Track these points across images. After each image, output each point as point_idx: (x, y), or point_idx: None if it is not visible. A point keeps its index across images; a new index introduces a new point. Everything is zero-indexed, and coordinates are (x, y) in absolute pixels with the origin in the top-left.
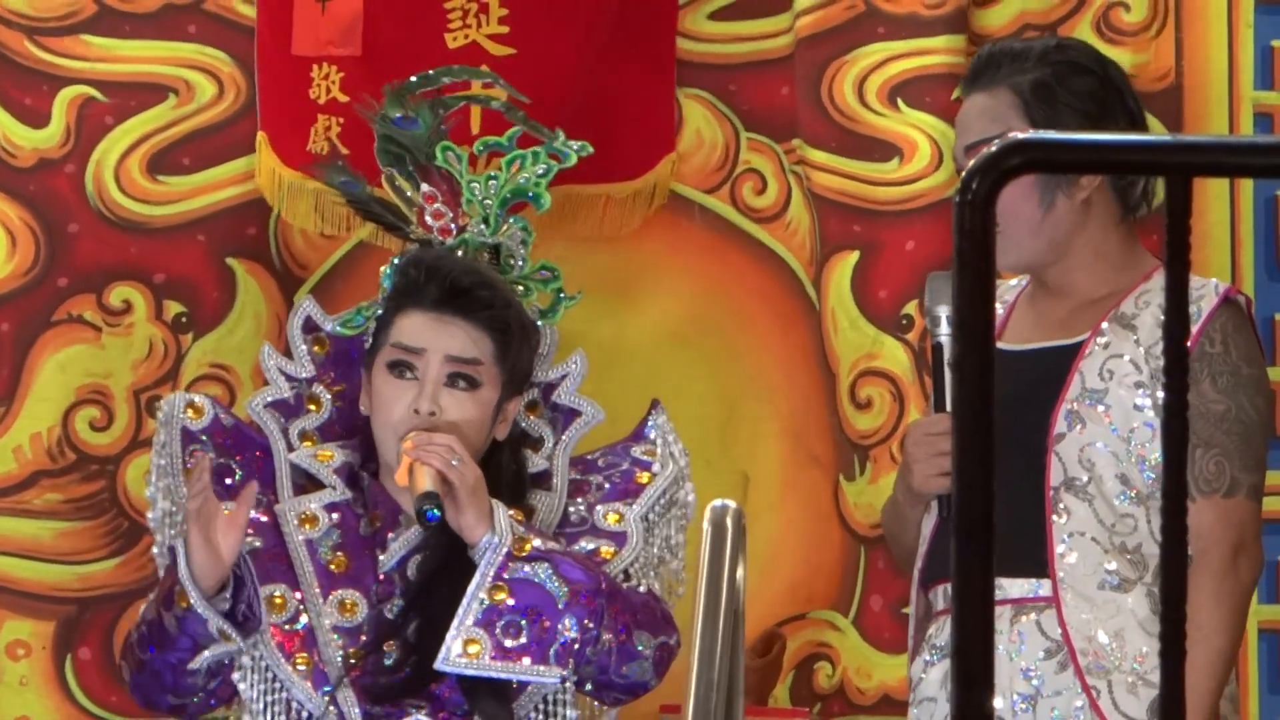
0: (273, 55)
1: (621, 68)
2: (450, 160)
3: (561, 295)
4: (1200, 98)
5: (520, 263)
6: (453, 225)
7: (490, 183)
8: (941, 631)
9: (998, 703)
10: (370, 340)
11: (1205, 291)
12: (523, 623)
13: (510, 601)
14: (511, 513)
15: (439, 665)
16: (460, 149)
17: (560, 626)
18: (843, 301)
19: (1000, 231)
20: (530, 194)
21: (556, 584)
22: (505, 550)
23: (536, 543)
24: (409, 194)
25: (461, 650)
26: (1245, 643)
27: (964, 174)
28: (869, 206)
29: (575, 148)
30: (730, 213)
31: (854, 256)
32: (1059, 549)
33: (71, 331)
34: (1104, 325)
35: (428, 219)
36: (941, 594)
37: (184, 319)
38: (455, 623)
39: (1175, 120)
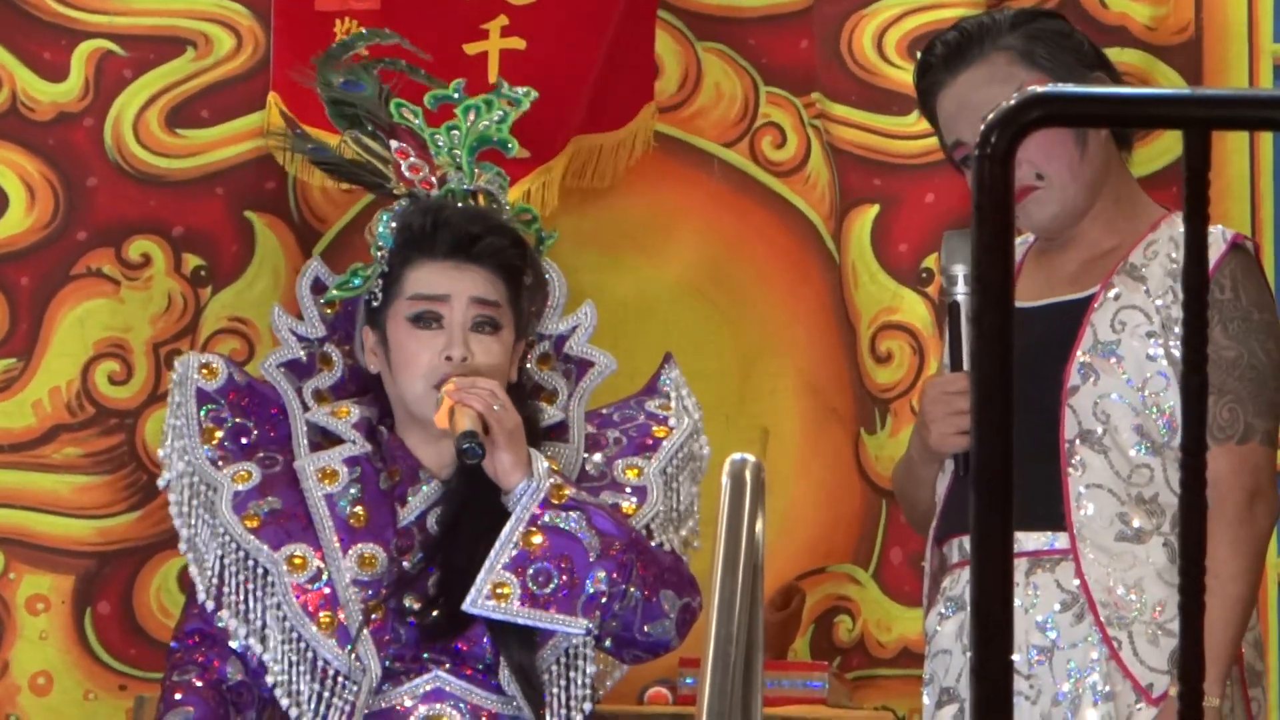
0: (293, 11)
1: (614, 19)
2: (407, 116)
3: (542, 234)
4: (1219, 50)
5: (504, 207)
6: (432, 178)
7: (453, 133)
8: (956, 584)
9: (1014, 657)
10: (379, 298)
11: (1213, 239)
12: (552, 571)
13: (544, 547)
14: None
15: (467, 607)
16: (413, 105)
17: (590, 578)
18: (863, 255)
19: (1043, 182)
20: (496, 139)
21: (589, 534)
22: (543, 496)
23: (572, 492)
24: (379, 152)
25: (491, 593)
26: (1265, 595)
27: (983, 128)
28: (889, 160)
29: (522, 92)
30: (750, 166)
31: (874, 210)
32: (1075, 501)
33: (90, 285)
34: (1114, 278)
35: (405, 173)
36: (956, 547)
37: (203, 272)
38: (486, 565)
39: (1194, 73)
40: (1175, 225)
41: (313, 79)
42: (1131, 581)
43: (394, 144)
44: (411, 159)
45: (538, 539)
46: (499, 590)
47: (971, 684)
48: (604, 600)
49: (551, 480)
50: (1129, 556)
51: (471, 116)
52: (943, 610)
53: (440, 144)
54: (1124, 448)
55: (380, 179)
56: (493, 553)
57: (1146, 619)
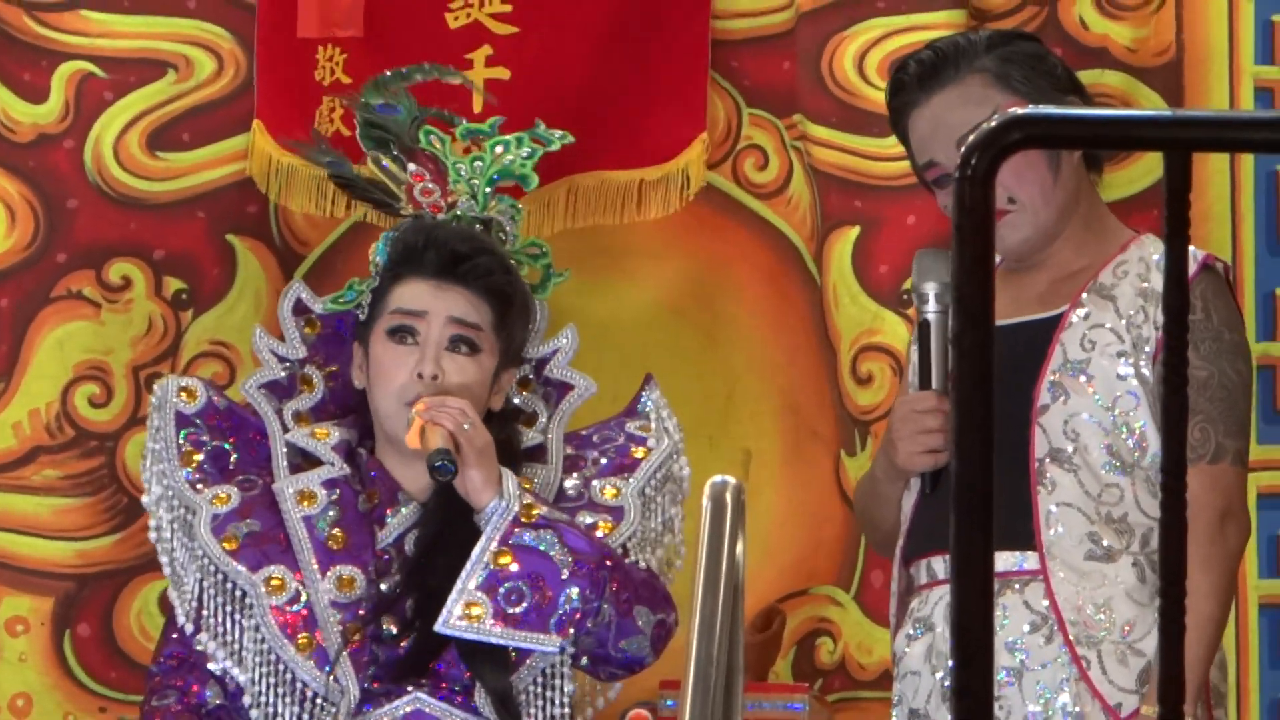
0: (275, 38)
1: (650, 49)
2: (434, 143)
3: (551, 271)
4: (1200, 72)
5: (510, 238)
6: (442, 202)
7: (476, 164)
8: (925, 605)
9: None
10: (365, 312)
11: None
12: (525, 589)
13: (514, 567)
14: (519, 480)
15: (439, 627)
16: (443, 133)
17: (562, 596)
18: (844, 277)
19: (1015, 206)
20: (518, 175)
21: (561, 552)
22: (513, 515)
23: (543, 510)
24: (396, 174)
25: (463, 613)
26: (1245, 617)
27: (964, 150)
28: (870, 182)
29: (557, 135)
30: (732, 188)
31: (855, 232)
32: (1045, 520)
33: (71, 308)
34: (1083, 296)
35: (417, 196)
36: (924, 568)
37: (184, 296)
38: (458, 585)
39: (1175, 95)
40: (1144, 246)
41: (357, 99)
42: (1101, 601)
43: (411, 167)
44: (425, 183)
45: (508, 559)
46: (471, 611)
47: (952, 704)
48: (577, 618)
49: (523, 499)
50: (1098, 576)
51: (499, 150)
52: (911, 631)
53: (462, 173)
54: (1094, 467)
55: (390, 199)
56: (464, 573)
57: (1115, 638)
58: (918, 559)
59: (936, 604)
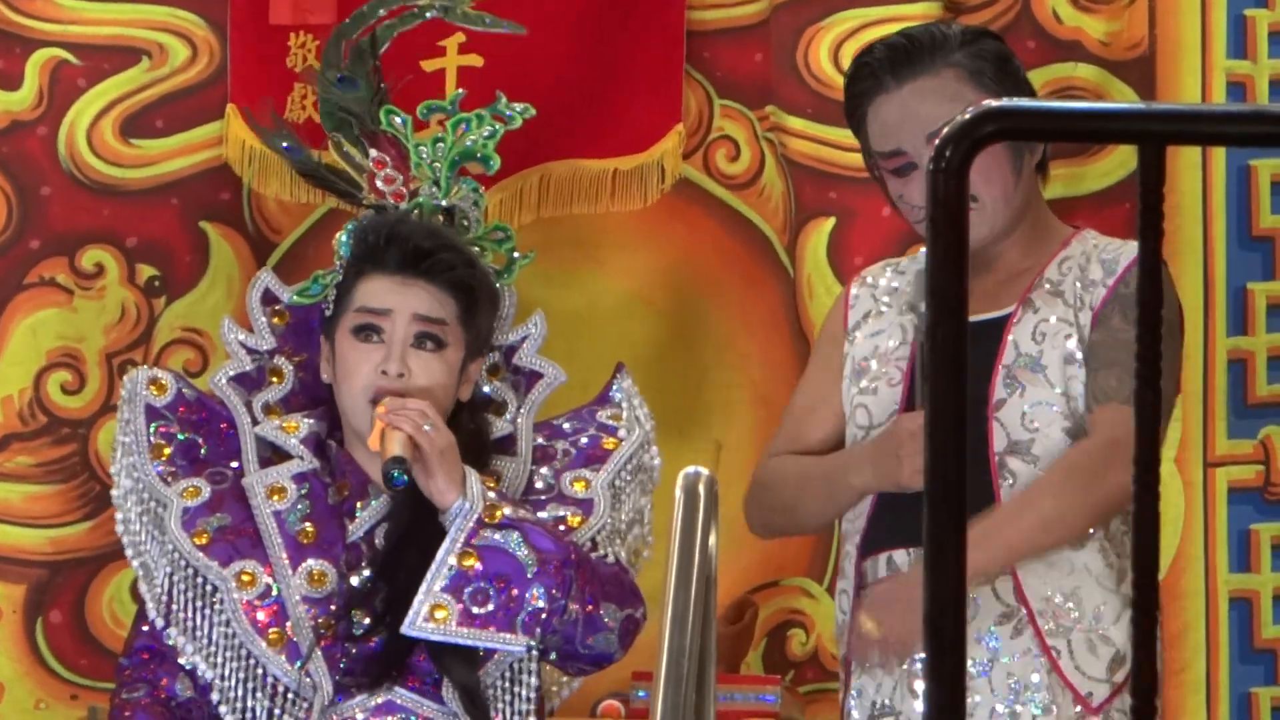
0: (248, 24)
1: (625, 38)
2: (395, 124)
3: (515, 255)
4: (1173, 66)
5: (474, 224)
6: (404, 189)
7: (438, 145)
8: None
9: None
10: (330, 308)
11: (1125, 249)
12: (490, 590)
13: (479, 568)
14: (483, 479)
15: (405, 629)
16: (403, 113)
17: (528, 596)
18: (818, 268)
19: (976, 205)
20: (479, 155)
21: (526, 552)
22: (476, 516)
23: (507, 510)
24: (357, 159)
25: (429, 615)
26: (1215, 611)
27: (938, 142)
28: (845, 173)
29: (518, 109)
30: (703, 179)
31: (830, 223)
32: None
33: (43, 295)
34: (1031, 294)
35: (379, 184)
36: (884, 562)
37: (156, 283)
38: (423, 587)
39: (1148, 89)
40: (1085, 240)
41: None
42: (1069, 589)
43: (373, 153)
44: (387, 170)
45: (472, 560)
46: (436, 614)
47: (926, 696)
48: (544, 617)
49: (486, 500)
50: (1065, 564)
51: (460, 130)
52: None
53: (423, 155)
54: (1053, 454)
55: (352, 188)
56: (428, 575)
57: (1085, 625)
58: (876, 553)
59: None
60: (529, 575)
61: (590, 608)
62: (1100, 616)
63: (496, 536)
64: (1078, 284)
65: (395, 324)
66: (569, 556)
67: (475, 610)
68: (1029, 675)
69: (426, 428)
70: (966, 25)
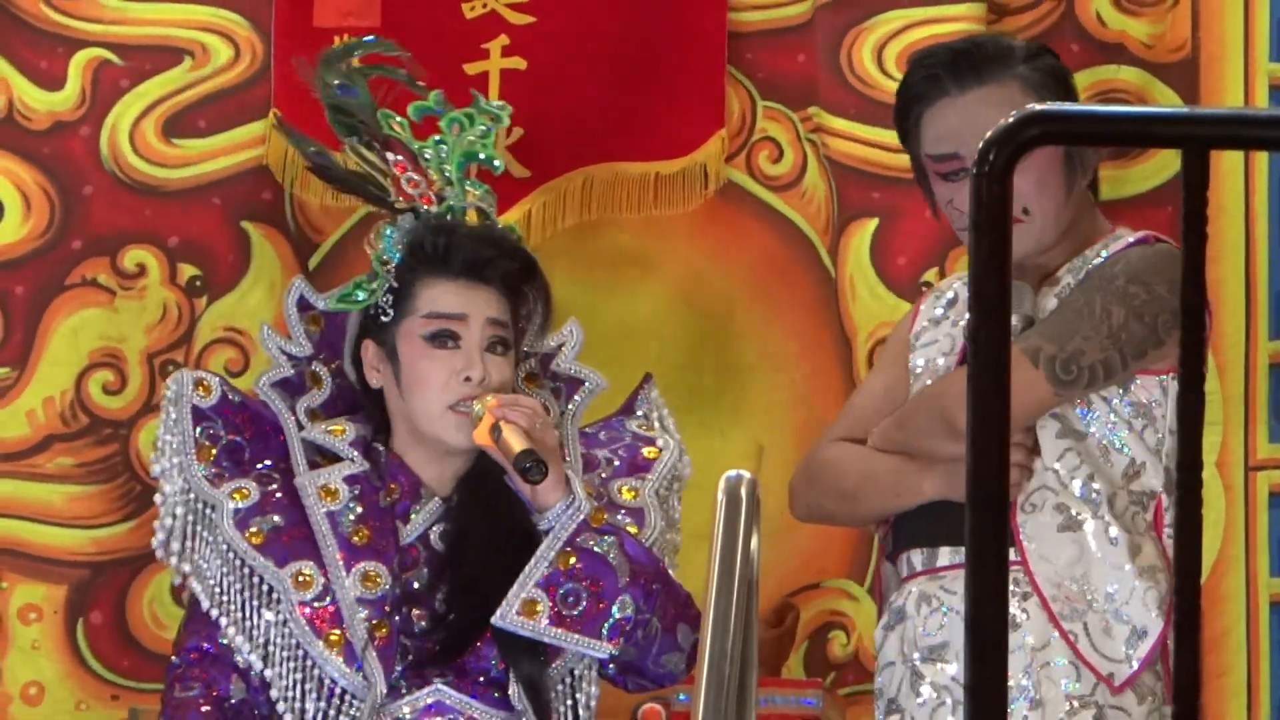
0: (292, 26)
1: (668, 41)
2: (395, 128)
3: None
4: (1216, 70)
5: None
6: (430, 193)
7: (440, 147)
8: (899, 597)
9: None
10: (388, 312)
11: (1122, 235)
12: (582, 592)
13: (577, 567)
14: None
15: (496, 620)
16: (399, 116)
17: (616, 604)
18: (861, 269)
19: (1027, 217)
20: (483, 156)
21: (621, 559)
22: (582, 518)
23: (607, 516)
24: (377, 164)
25: (521, 608)
26: (1256, 615)
27: (981, 145)
28: (888, 174)
29: (497, 106)
30: (746, 180)
31: (873, 224)
32: (1017, 503)
33: (85, 295)
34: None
35: (405, 187)
36: (905, 562)
37: (198, 283)
38: (520, 580)
39: (1191, 92)
40: (1108, 241)
41: (311, 76)
42: (1079, 574)
43: (391, 156)
44: (409, 173)
45: (573, 559)
46: (531, 607)
47: (966, 701)
48: (628, 627)
49: (591, 503)
50: (1075, 547)
51: (456, 130)
52: (886, 622)
53: (428, 158)
54: (1047, 445)
55: (381, 192)
56: (527, 569)
57: (1099, 607)
58: (901, 553)
59: (910, 595)
60: (620, 583)
61: (668, 626)
62: (1112, 597)
63: (596, 540)
64: (1068, 272)
65: (471, 329)
66: (659, 570)
67: (564, 611)
68: (1048, 659)
69: (539, 425)
70: (1032, 42)
